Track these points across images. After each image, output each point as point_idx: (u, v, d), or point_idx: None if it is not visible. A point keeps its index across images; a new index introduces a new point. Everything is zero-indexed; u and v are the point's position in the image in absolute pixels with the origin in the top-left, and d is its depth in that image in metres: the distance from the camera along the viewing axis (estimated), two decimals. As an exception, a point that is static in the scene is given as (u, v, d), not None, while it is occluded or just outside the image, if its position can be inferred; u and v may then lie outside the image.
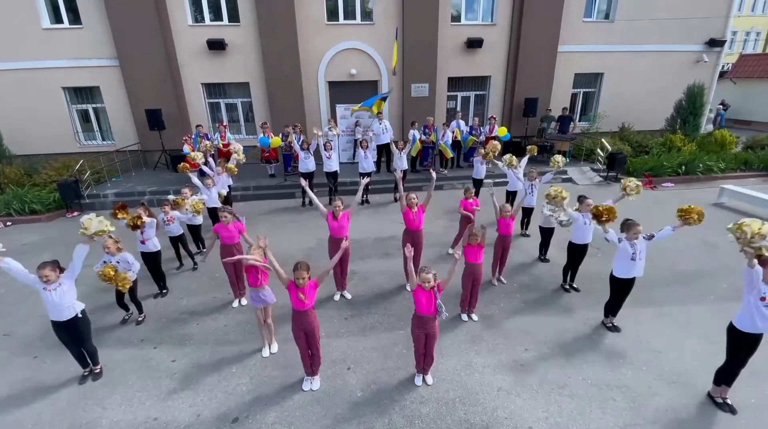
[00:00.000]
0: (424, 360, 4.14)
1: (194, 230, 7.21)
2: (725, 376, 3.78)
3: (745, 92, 20.10)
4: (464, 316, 5.26)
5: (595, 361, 4.50)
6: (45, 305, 3.98)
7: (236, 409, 3.95)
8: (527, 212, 7.68)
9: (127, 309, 5.39)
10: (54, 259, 4.12)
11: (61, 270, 4.10)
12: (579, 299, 5.72)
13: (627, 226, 4.62)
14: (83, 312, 4.19)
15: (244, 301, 5.75)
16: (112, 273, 4.55)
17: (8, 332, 5.27)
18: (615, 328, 5.01)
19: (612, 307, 5.00)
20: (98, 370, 4.43)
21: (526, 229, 7.90)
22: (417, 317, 3.91)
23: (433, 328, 3.93)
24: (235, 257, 4.79)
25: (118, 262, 4.89)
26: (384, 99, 11.42)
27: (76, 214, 9.84)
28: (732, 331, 3.64)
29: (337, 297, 5.82)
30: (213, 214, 7.61)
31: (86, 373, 4.40)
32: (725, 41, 14.11)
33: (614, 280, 4.82)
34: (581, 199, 5.63)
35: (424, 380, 4.22)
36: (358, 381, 4.28)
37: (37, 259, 7.48)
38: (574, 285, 5.95)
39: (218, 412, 3.92)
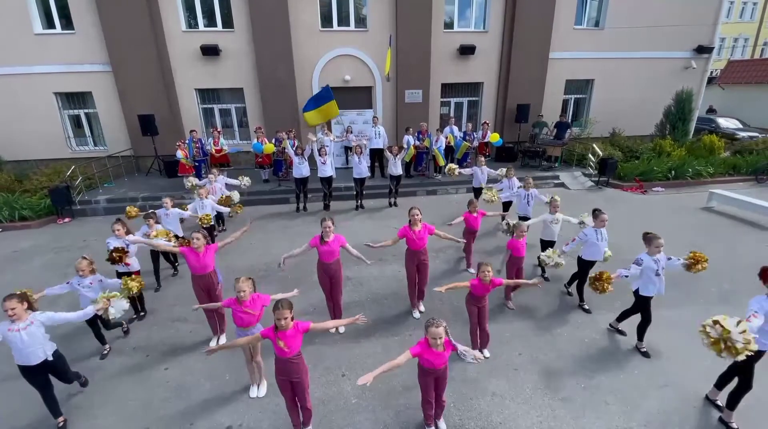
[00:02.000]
0: (435, 408, 3.62)
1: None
2: (722, 381, 3.87)
3: (733, 98, 20.49)
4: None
5: (588, 366, 4.54)
6: (10, 346, 3.49)
7: (229, 416, 3.93)
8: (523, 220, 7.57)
9: (104, 342, 4.90)
10: (22, 291, 3.67)
11: (30, 305, 3.59)
12: (571, 304, 5.77)
13: (648, 239, 4.44)
14: (55, 353, 3.76)
15: (223, 339, 5.04)
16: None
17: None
18: (645, 354, 4.71)
19: (643, 326, 4.78)
20: (83, 381, 4.23)
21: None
22: (424, 370, 3.38)
23: (444, 372, 3.44)
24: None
25: (90, 284, 4.55)
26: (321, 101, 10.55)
27: (67, 220, 9.75)
28: None
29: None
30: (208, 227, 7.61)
31: (61, 424, 3.82)
32: (713, 48, 14.43)
33: (641, 299, 4.64)
34: (596, 213, 5.39)
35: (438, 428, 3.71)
36: (353, 387, 4.27)
37: (29, 265, 7.46)
38: (570, 290, 6.00)
39: (211, 420, 3.90)
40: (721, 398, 3.91)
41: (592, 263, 5.48)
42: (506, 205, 8.28)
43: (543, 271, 6.57)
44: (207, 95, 12.79)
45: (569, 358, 4.65)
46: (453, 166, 9.24)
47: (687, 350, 4.70)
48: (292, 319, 3.25)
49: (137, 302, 5.54)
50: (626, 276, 4.53)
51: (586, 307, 5.62)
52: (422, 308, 5.59)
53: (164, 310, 5.81)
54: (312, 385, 3.93)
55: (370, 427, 3.78)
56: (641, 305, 4.69)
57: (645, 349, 4.73)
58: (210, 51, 11.76)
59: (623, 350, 4.78)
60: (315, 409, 3.94)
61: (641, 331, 4.76)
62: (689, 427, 3.73)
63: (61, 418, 3.84)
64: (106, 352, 4.89)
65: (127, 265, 5.31)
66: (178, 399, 4.17)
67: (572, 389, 4.19)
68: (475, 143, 11.80)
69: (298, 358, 3.35)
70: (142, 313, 5.67)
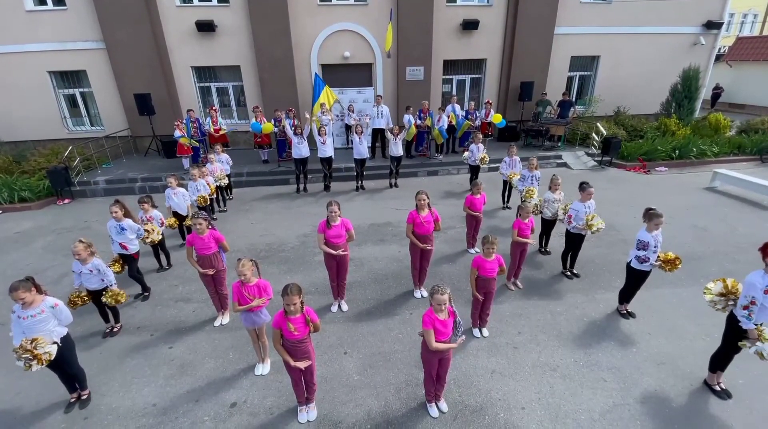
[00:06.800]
0: (435, 385, 3.67)
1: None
2: (721, 362, 3.83)
3: (741, 75, 20.04)
4: (476, 332, 4.76)
5: (587, 344, 4.59)
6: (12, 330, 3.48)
7: (234, 393, 4.00)
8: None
9: (108, 320, 4.98)
10: (28, 276, 3.52)
11: (38, 288, 3.50)
12: (571, 283, 5.79)
13: (649, 216, 4.44)
14: (65, 337, 3.68)
15: (226, 319, 5.09)
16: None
17: (2, 322, 5.26)
18: (630, 315, 5.01)
19: (627, 295, 4.99)
20: (86, 396, 3.96)
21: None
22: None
23: (447, 350, 3.43)
24: (244, 307, 3.80)
25: (90, 272, 4.43)
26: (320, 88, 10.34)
27: (67, 201, 9.72)
28: (734, 321, 3.58)
29: (334, 308, 5.31)
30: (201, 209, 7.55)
31: (73, 400, 3.92)
32: (722, 23, 14.00)
33: (633, 271, 4.74)
34: (583, 186, 5.47)
35: (439, 408, 3.73)
36: (355, 365, 4.34)
37: (30, 247, 7.47)
38: (574, 270, 5.97)
39: (216, 397, 3.97)
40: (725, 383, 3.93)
41: (581, 236, 5.62)
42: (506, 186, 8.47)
43: (543, 246, 6.65)
44: (204, 73, 12.52)
45: (568, 337, 4.70)
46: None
47: (686, 329, 4.76)
48: (302, 303, 3.22)
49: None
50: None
51: (568, 274, 5.92)
52: (425, 293, 5.53)
53: (167, 290, 5.85)
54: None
55: (372, 403, 3.85)
56: (631, 276, 4.80)
57: (625, 312, 5.05)
58: (205, 27, 11.43)
59: (622, 329, 4.82)
60: (318, 385, 4.01)
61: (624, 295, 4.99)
62: (686, 405, 3.79)
63: (74, 395, 3.93)
64: (108, 330, 4.94)
65: (125, 248, 5.29)
66: (183, 377, 4.24)
67: (571, 367, 4.25)
68: (478, 122, 11.63)
69: (307, 339, 3.36)
70: (146, 294, 5.70)
